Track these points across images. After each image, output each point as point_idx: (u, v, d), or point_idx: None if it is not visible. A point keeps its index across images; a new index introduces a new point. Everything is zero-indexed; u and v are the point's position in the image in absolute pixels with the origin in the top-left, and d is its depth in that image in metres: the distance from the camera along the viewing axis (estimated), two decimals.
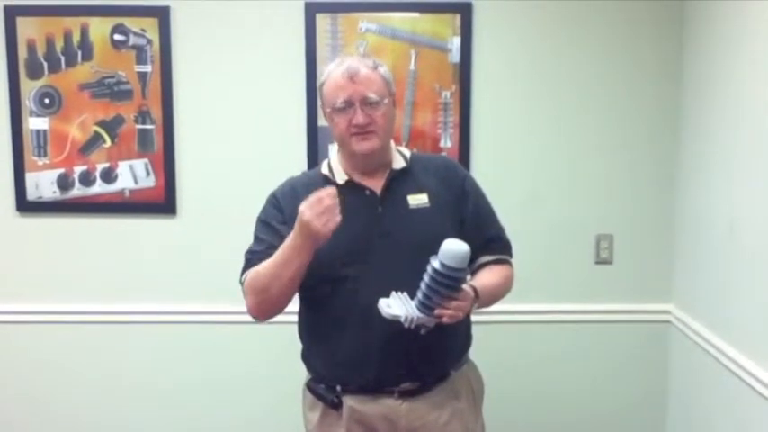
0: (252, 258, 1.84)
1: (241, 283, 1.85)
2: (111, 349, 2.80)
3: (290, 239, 1.71)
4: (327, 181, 1.87)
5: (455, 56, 2.67)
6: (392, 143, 1.92)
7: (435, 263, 1.62)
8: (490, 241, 1.92)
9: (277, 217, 1.86)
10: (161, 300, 2.77)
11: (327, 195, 1.65)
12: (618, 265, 2.77)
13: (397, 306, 1.66)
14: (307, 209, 1.64)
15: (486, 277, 1.86)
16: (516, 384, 2.73)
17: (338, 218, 1.65)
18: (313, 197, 1.65)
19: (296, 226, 1.68)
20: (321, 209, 1.64)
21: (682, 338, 2.67)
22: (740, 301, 2.22)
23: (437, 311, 1.63)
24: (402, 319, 1.63)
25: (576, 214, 2.76)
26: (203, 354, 2.80)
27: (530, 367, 2.80)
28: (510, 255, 1.98)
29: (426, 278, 1.63)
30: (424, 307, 1.64)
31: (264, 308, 1.82)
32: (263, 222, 1.89)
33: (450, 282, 1.62)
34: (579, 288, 2.78)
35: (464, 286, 1.69)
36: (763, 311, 2.07)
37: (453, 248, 1.62)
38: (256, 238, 1.88)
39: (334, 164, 1.90)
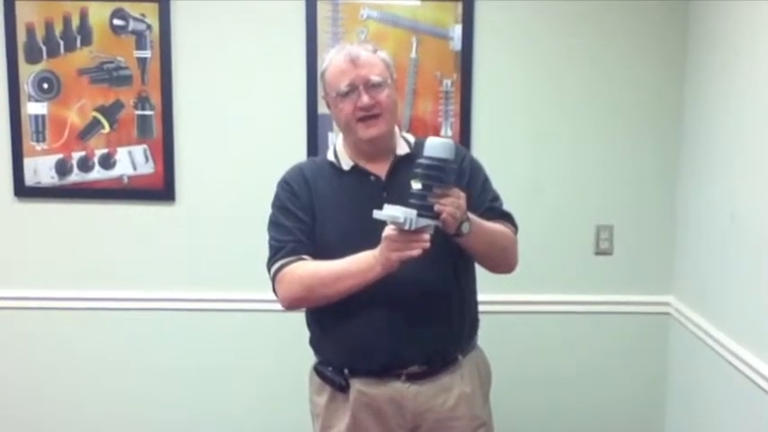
0: (283, 247, 1.83)
1: (274, 270, 1.83)
2: (109, 335, 2.79)
3: (367, 257, 1.72)
4: (333, 167, 1.89)
5: (457, 44, 2.66)
6: (396, 129, 1.92)
7: (421, 160, 1.62)
8: (486, 210, 1.89)
9: (294, 201, 1.86)
10: (158, 286, 2.76)
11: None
12: (618, 257, 2.77)
13: (393, 210, 1.62)
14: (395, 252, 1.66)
15: (481, 219, 1.83)
16: (515, 374, 2.71)
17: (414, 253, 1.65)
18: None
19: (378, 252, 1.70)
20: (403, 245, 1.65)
21: (681, 330, 2.66)
22: (740, 294, 2.21)
23: (437, 207, 1.61)
24: (401, 221, 1.59)
25: (576, 205, 2.75)
26: (203, 340, 2.79)
27: (528, 358, 2.79)
28: (510, 222, 1.95)
29: (414, 185, 1.62)
30: (421, 209, 1.61)
31: (303, 304, 1.87)
32: (281, 208, 1.87)
33: (439, 173, 1.61)
34: (579, 279, 2.78)
35: (456, 190, 1.67)
36: (762, 304, 2.06)
37: (435, 141, 1.63)
38: (279, 226, 1.86)
39: (340, 150, 1.91)
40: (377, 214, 1.62)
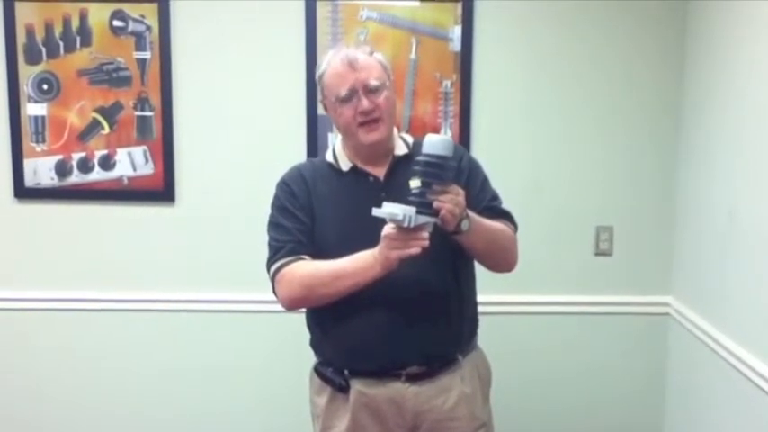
0: (282, 247, 1.83)
1: (273, 270, 1.83)
2: (109, 336, 2.79)
3: (366, 256, 1.72)
4: (332, 168, 1.89)
5: (456, 45, 2.66)
6: (395, 130, 1.92)
7: (420, 157, 1.63)
8: (485, 209, 1.89)
9: (293, 202, 1.86)
10: (159, 287, 2.76)
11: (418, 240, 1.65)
12: (617, 257, 2.77)
13: (392, 207, 1.62)
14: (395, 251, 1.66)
15: (480, 216, 1.83)
16: (515, 374, 2.72)
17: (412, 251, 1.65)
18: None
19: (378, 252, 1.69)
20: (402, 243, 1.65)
21: (681, 331, 2.66)
22: (739, 294, 2.21)
23: (436, 204, 1.61)
24: (400, 218, 1.59)
25: (576, 206, 2.75)
26: (203, 340, 2.79)
27: (528, 358, 2.79)
28: (509, 220, 1.95)
29: (413, 183, 1.63)
30: (420, 206, 1.61)
31: (304, 304, 1.86)
32: (281, 209, 1.87)
33: (438, 170, 1.61)
34: (578, 279, 2.78)
35: (455, 187, 1.67)
36: (762, 304, 2.06)
37: (434, 138, 1.63)
38: (278, 226, 1.86)
39: (339, 151, 1.91)
40: (376, 212, 1.63)
